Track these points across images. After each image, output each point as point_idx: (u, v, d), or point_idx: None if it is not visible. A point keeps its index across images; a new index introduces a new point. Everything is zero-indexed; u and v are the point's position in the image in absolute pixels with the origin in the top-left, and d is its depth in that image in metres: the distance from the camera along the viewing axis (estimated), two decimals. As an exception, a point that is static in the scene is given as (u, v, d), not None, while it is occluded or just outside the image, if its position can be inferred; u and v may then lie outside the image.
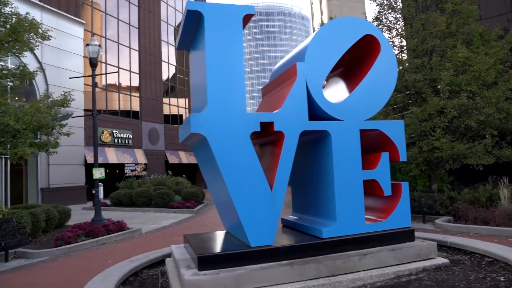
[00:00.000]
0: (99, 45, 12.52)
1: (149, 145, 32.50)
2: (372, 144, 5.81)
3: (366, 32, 5.55)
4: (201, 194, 19.90)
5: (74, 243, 9.88)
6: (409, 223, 5.48)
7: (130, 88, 31.52)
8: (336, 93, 6.08)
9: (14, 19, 10.95)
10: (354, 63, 6.23)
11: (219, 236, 5.75)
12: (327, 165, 5.23)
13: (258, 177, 4.73)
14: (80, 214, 17.66)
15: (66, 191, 22.46)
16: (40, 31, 11.73)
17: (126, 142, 29.52)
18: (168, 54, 37.36)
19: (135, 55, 32.19)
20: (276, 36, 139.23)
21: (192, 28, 5.17)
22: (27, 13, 11.31)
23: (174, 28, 38.97)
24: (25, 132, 10.55)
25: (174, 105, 38.38)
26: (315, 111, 5.26)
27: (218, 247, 5.23)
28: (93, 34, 26.83)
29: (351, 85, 5.82)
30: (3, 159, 19.04)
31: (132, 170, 29.42)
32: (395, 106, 13.95)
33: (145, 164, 30.86)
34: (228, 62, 4.75)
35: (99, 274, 5.37)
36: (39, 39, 11.94)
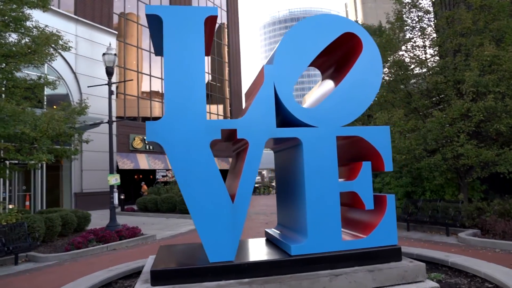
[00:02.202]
0: (115, 54, 12.83)
1: (181, 151, 33.00)
2: (355, 153, 5.29)
3: (345, 30, 5.06)
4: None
5: (84, 248, 10.05)
6: (395, 241, 4.89)
7: (162, 96, 32.31)
8: (319, 96, 5.63)
9: (35, 32, 11.49)
10: (342, 63, 5.75)
11: (192, 249, 5.46)
12: (299, 175, 4.80)
13: (217, 189, 4.42)
14: (106, 218, 18.13)
15: (97, 196, 23.27)
16: (60, 42, 12.22)
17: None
18: (201, 62, 37.91)
19: (168, 63, 32.95)
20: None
21: (158, 33, 4.98)
22: (46, 26, 11.80)
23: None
24: (42, 140, 10.94)
25: (207, 112, 38.86)
26: (286, 117, 4.87)
27: (180, 261, 4.94)
28: (125, 44, 27.81)
29: (333, 87, 5.35)
30: (39, 165, 20.05)
31: (163, 176, 30.00)
32: (420, 113, 13.02)
33: (176, 169, 31.33)
34: (186, 67, 4.49)
35: (67, 284, 5.29)
36: (60, 50, 12.44)
